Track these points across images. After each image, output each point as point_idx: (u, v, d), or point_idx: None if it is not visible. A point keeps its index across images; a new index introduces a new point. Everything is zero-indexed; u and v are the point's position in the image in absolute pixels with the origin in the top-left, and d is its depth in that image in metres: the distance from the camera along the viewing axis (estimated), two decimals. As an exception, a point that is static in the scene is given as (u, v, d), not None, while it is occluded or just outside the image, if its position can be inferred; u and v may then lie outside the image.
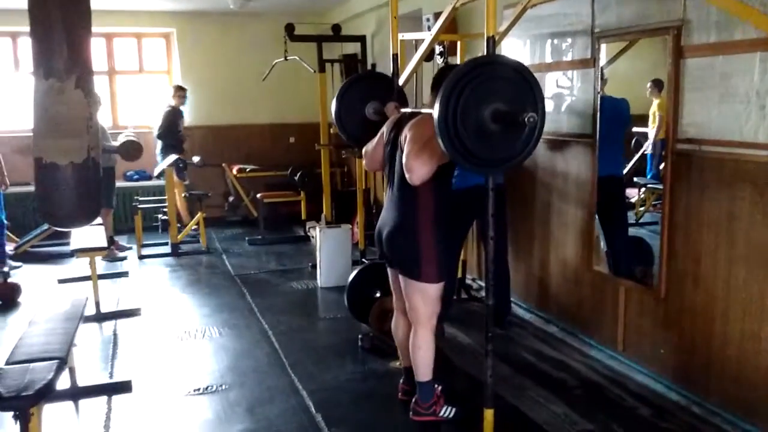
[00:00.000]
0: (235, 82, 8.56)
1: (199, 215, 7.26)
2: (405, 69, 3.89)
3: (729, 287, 3.11)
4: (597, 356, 3.98)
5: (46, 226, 6.99)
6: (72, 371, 3.60)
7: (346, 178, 8.63)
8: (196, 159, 7.55)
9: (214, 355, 4.24)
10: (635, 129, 4.76)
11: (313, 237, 6.84)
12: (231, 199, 8.46)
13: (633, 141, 4.87)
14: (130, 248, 7.21)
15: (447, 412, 3.23)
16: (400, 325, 3.37)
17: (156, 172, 7.32)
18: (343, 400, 3.52)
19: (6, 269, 5.57)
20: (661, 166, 3.64)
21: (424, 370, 3.15)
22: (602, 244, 4.17)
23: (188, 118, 8.21)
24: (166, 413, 3.47)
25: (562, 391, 3.57)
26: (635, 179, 4.93)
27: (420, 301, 3.08)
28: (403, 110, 3.28)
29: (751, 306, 3.00)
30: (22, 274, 6.08)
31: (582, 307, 4.22)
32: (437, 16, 4.56)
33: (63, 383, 3.32)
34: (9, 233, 7.04)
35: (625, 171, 4.73)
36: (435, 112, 2.39)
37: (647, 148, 4.86)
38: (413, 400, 3.23)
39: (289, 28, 6.56)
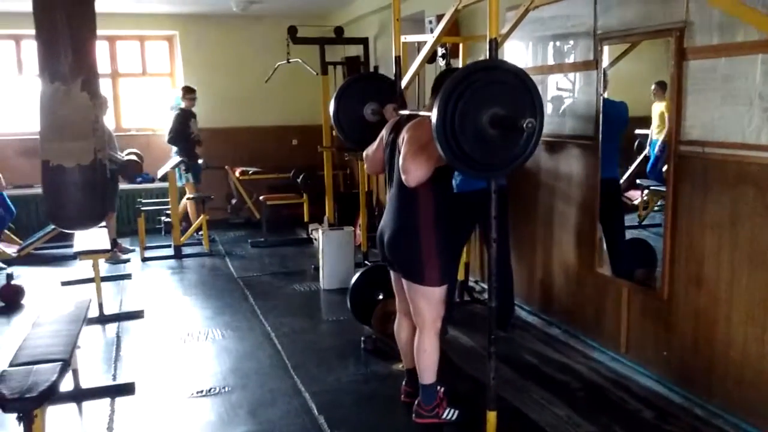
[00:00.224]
0: (237, 84, 8.57)
1: (201, 217, 7.27)
2: (407, 71, 3.89)
3: (732, 289, 3.10)
4: (600, 358, 3.97)
5: (49, 228, 7.01)
6: (75, 373, 3.61)
7: (349, 180, 8.64)
8: (200, 161, 7.57)
9: (216, 357, 4.24)
10: (639, 131, 4.75)
11: (315, 239, 6.84)
12: (234, 201, 8.47)
13: (636, 143, 4.86)
14: (133, 250, 7.22)
15: (449, 414, 3.23)
16: (403, 327, 3.37)
17: (159, 174, 7.33)
18: (345, 402, 3.52)
19: (10, 271, 5.57)
20: (664, 168, 3.63)
21: (428, 373, 3.15)
22: (605, 246, 4.16)
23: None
24: (169, 415, 3.47)
25: (564, 393, 3.56)
26: (638, 181, 4.92)
27: (424, 305, 3.07)
28: (402, 112, 3.28)
29: (754, 308, 2.99)
30: (25, 277, 6.08)
31: (585, 309, 4.21)
32: (440, 18, 4.56)
33: (66, 385, 3.33)
34: (12, 235, 7.07)
35: (628, 173, 4.73)
36: (433, 116, 2.39)
37: (649, 149, 4.86)
38: (416, 402, 3.23)
39: (292, 31, 6.57)
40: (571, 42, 4.21)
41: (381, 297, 4.27)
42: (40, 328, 3.40)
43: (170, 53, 8.86)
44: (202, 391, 3.71)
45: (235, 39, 8.63)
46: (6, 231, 6.95)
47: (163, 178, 7.22)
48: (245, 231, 8.23)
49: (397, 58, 3.66)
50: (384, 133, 3.27)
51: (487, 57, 2.61)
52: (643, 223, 4.85)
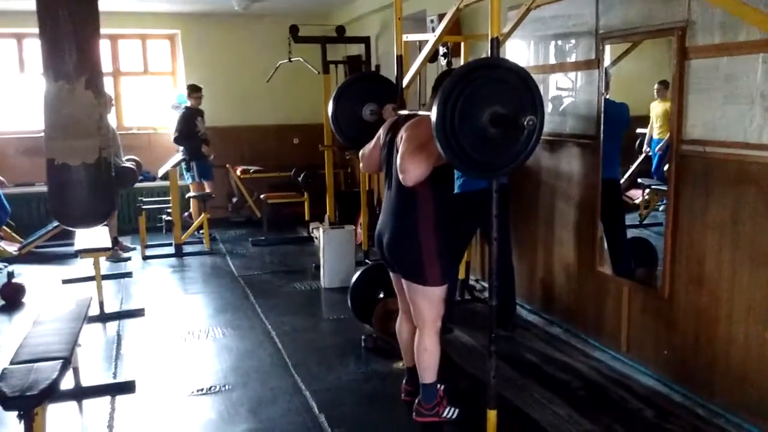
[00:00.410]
0: (239, 83, 8.57)
1: (202, 216, 7.28)
2: (409, 70, 3.89)
3: (733, 288, 3.10)
4: (601, 357, 3.97)
5: (50, 227, 7.02)
6: (76, 371, 3.61)
7: (350, 179, 8.64)
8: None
9: (217, 355, 4.24)
10: (640, 130, 4.76)
11: (316, 238, 6.84)
12: (235, 199, 8.47)
13: (637, 142, 4.87)
14: (134, 249, 7.23)
15: (450, 413, 3.23)
16: (405, 326, 3.37)
17: (160, 173, 7.33)
18: (346, 401, 3.52)
19: (11, 269, 5.58)
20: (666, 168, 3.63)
21: (429, 373, 3.15)
22: (606, 245, 4.16)
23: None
24: (170, 413, 3.47)
25: (565, 392, 3.56)
26: (639, 180, 4.93)
27: (425, 305, 3.07)
28: (401, 112, 3.27)
29: (755, 307, 2.99)
30: (26, 275, 6.09)
31: (586, 308, 4.21)
32: (441, 17, 4.56)
33: (67, 383, 3.33)
34: (13, 234, 7.08)
35: (629, 172, 4.74)
36: (433, 114, 2.37)
37: (649, 149, 4.86)
38: (416, 401, 3.22)
39: (294, 30, 6.56)
40: (573, 41, 4.20)
41: (381, 296, 4.27)
42: (41, 326, 3.40)
43: (172, 52, 8.86)
44: (202, 390, 3.71)
45: (236, 38, 8.63)
46: (6, 229, 6.96)
47: (164, 177, 7.22)
48: (246, 229, 8.23)
49: (399, 57, 3.66)
50: (381, 132, 3.25)
51: (489, 56, 2.61)
52: (644, 222, 4.85)
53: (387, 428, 3.32)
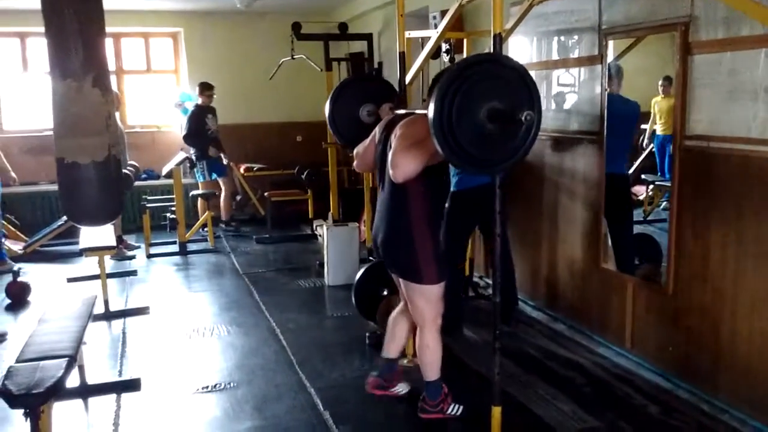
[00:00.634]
0: (242, 81, 8.57)
1: (206, 214, 7.29)
2: (412, 67, 3.89)
3: (737, 284, 3.09)
4: (605, 353, 3.97)
5: (55, 225, 7.04)
6: (81, 369, 3.62)
7: (353, 176, 8.62)
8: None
9: (222, 353, 4.26)
10: (645, 126, 4.75)
11: (320, 235, 6.83)
12: (238, 197, 8.48)
13: (641, 138, 4.86)
14: (139, 247, 7.24)
15: (454, 409, 3.23)
16: (400, 318, 3.37)
17: (164, 171, 7.34)
18: (350, 398, 3.52)
19: (16, 268, 5.60)
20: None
21: (432, 370, 3.15)
22: (609, 241, 4.16)
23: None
24: (175, 411, 3.48)
25: (570, 388, 3.56)
26: (643, 176, 4.92)
27: (423, 303, 3.08)
28: (398, 111, 3.27)
29: (759, 303, 2.99)
30: (31, 274, 6.11)
31: (590, 304, 4.21)
32: (444, 13, 4.55)
33: (72, 381, 3.34)
34: (18, 233, 7.10)
35: (633, 168, 4.73)
36: (430, 111, 2.36)
37: (653, 145, 4.85)
38: (421, 397, 3.23)
39: (296, 27, 6.57)
40: (576, 37, 4.19)
41: (385, 293, 4.27)
42: (47, 324, 3.42)
43: (175, 50, 8.87)
44: (207, 387, 3.72)
45: (239, 36, 8.63)
46: (11, 228, 6.97)
47: (168, 175, 7.23)
48: (250, 227, 8.24)
49: (402, 54, 3.66)
50: (377, 130, 3.24)
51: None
52: (648, 218, 4.84)
53: (391, 425, 3.33)
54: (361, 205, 6.56)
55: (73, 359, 2.95)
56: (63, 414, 3.31)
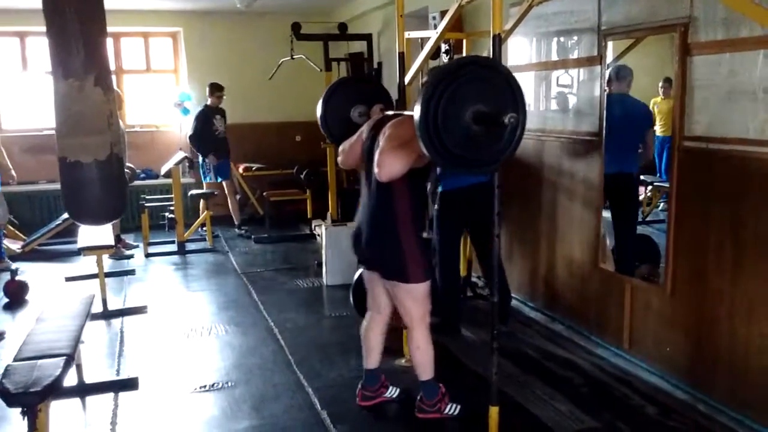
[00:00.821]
0: (241, 80, 8.57)
1: (205, 213, 7.29)
2: (411, 67, 3.89)
3: (736, 285, 3.10)
4: (603, 354, 3.97)
5: (53, 224, 7.03)
6: (79, 368, 3.62)
7: (352, 176, 8.60)
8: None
9: (220, 352, 4.25)
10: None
11: (318, 235, 6.84)
12: (238, 197, 8.48)
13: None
14: (137, 246, 7.24)
15: (452, 409, 3.24)
16: (371, 327, 3.37)
17: (163, 170, 7.34)
18: (348, 397, 3.52)
19: (14, 267, 5.59)
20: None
21: (425, 369, 3.16)
22: (608, 241, 4.16)
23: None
24: (173, 410, 3.48)
25: (567, 388, 3.56)
26: (642, 177, 4.92)
27: (410, 303, 3.09)
28: (388, 113, 3.28)
29: (757, 304, 2.99)
30: (29, 272, 6.10)
31: (588, 305, 4.21)
32: (443, 14, 4.55)
33: (70, 380, 3.34)
34: (16, 231, 7.09)
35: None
36: (416, 113, 2.38)
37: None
38: (418, 397, 3.23)
39: (296, 27, 6.57)
40: (575, 37, 4.19)
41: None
42: (44, 323, 3.41)
43: (174, 50, 8.87)
44: (205, 386, 3.72)
45: (239, 35, 8.63)
46: (10, 227, 6.96)
47: (167, 175, 7.22)
48: (248, 227, 8.23)
49: (401, 54, 3.66)
50: (365, 128, 3.24)
51: (491, 53, 2.61)
52: (647, 219, 4.85)
53: (389, 425, 3.34)
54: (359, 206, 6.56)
55: (70, 358, 2.95)
56: (60, 412, 3.31)
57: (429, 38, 4.01)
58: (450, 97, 2.32)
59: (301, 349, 4.21)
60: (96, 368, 3.97)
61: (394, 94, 3.83)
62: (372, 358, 3.38)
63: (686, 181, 3.34)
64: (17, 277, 5.41)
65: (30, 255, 6.79)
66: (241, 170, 8.33)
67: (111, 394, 3.63)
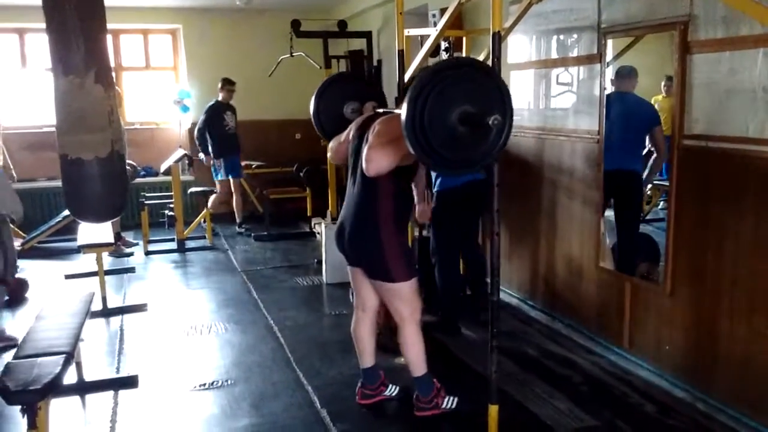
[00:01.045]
0: (241, 78, 8.52)
1: (205, 211, 7.29)
2: (411, 65, 3.89)
3: (735, 284, 3.10)
4: (602, 353, 3.97)
5: (53, 222, 7.03)
6: (79, 366, 3.62)
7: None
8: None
9: (219, 350, 4.26)
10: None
11: (318, 233, 6.85)
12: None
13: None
14: (137, 244, 7.24)
15: (449, 402, 3.25)
16: (360, 326, 3.37)
17: (162, 168, 7.33)
18: (348, 396, 3.52)
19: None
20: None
21: (417, 365, 3.17)
22: (607, 240, 4.16)
23: (193, 115, 8.21)
24: (172, 408, 3.48)
25: (567, 387, 3.57)
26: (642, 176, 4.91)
27: (398, 302, 3.11)
28: (379, 110, 3.28)
29: (757, 302, 2.99)
30: (29, 270, 6.11)
31: (588, 304, 4.21)
32: (443, 11, 4.54)
33: (70, 378, 3.35)
34: (16, 229, 7.08)
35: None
36: (403, 113, 2.38)
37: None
38: (414, 396, 3.24)
39: (295, 25, 6.56)
40: (575, 35, 4.19)
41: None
42: (44, 321, 3.42)
43: (174, 47, 8.86)
44: (205, 384, 3.72)
45: (238, 33, 8.61)
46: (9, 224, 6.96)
47: (167, 172, 7.22)
48: (248, 224, 8.23)
49: (401, 52, 3.66)
50: (353, 125, 3.26)
51: (490, 50, 2.60)
52: (647, 217, 4.84)
53: (388, 423, 3.34)
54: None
55: (70, 356, 2.96)
56: (60, 410, 3.32)
57: (429, 36, 4.02)
58: (437, 96, 2.33)
59: (300, 347, 4.21)
60: (96, 366, 3.97)
61: (393, 92, 3.83)
62: (366, 357, 3.39)
63: (686, 179, 3.34)
64: (17, 275, 5.41)
65: (29, 252, 6.80)
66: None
67: (111, 392, 3.64)
